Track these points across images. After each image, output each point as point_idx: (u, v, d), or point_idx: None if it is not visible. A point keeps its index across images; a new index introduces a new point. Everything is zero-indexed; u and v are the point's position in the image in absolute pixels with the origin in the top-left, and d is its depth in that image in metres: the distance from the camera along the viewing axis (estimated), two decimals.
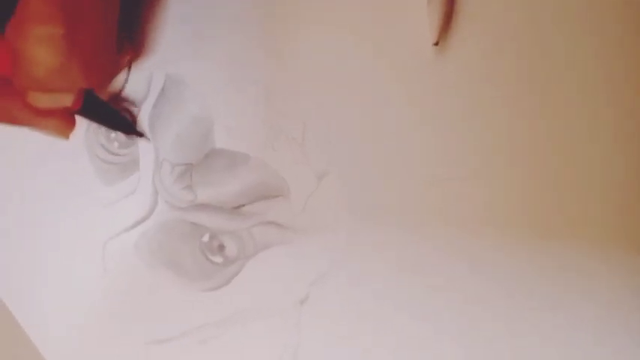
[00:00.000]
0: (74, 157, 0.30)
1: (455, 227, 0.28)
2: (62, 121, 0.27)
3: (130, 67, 0.30)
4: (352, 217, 0.29)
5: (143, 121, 0.30)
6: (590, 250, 0.27)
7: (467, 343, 0.28)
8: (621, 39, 0.28)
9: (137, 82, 0.30)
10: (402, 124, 0.29)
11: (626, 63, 0.28)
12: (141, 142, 0.30)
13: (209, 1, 0.30)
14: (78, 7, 0.23)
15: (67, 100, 0.26)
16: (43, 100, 0.25)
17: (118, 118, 0.29)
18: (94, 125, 0.30)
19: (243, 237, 0.29)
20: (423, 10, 0.29)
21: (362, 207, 0.29)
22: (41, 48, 0.23)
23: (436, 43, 0.28)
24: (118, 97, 0.30)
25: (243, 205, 0.29)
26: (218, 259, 0.29)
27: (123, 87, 0.30)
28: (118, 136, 0.30)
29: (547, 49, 0.29)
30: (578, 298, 0.27)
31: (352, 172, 0.29)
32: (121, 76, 0.30)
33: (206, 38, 0.30)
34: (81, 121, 0.30)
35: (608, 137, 0.28)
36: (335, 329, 0.28)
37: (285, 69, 0.29)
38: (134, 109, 0.30)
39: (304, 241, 0.29)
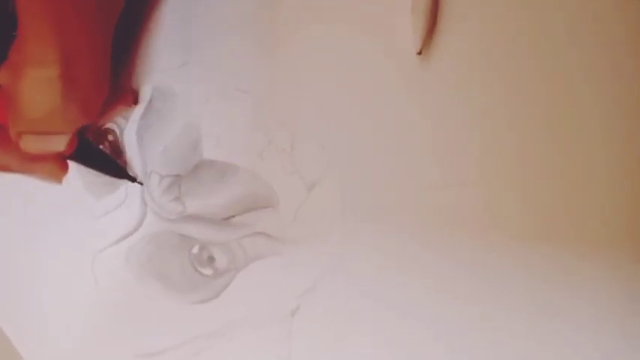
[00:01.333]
0: None
1: (449, 234, 0.28)
2: (55, 166, 0.27)
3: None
4: (342, 227, 0.29)
5: (131, 133, 0.30)
6: (588, 255, 0.27)
7: (463, 350, 0.28)
8: (605, 45, 0.28)
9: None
10: (388, 132, 0.29)
11: (619, 66, 0.28)
12: (129, 154, 0.30)
13: (197, 10, 0.30)
14: (73, 47, 0.23)
15: (60, 145, 0.26)
16: (36, 146, 0.25)
17: (110, 162, 0.29)
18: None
19: (233, 248, 0.29)
20: (406, 20, 0.29)
21: (351, 218, 0.29)
22: (39, 91, 0.22)
23: (419, 53, 0.28)
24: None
25: (233, 217, 0.29)
26: (208, 271, 0.29)
27: None
28: (106, 147, 0.30)
29: (530, 57, 0.29)
30: (575, 303, 0.27)
31: (341, 183, 0.29)
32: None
33: (194, 47, 0.30)
34: None
35: (596, 140, 0.28)
36: (326, 340, 0.28)
37: (274, 78, 0.29)
38: (122, 121, 0.30)
39: (294, 251, 0.29)
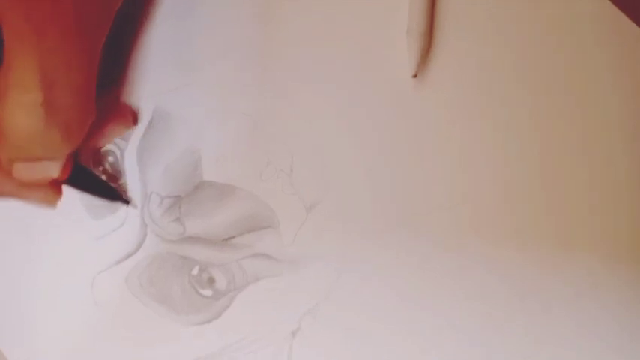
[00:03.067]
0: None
1: (450, 253, 0.29)
2: (49, 192, 0.27)
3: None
4: (342, 247, 0.29)
5: (131, 154, 0.30)
6: (603, 262, 0.28)
7: None
8: (599, 67, 0.29)
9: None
10: (385, 154, 0.29)
11: (623, 81, 0.29)
12: (129, 175, 0.30)
13: (195, 31, 0.30)
14: (56, 72, 0.22)
15: (53, 172, 0.25)
16: (28, 174, 0.25)
17: (106, 187, 0.29)
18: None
19: (233, 269, 0.29)
20: (402, 42, 0.29)
21: (351, 238, 0.29)
22: (21, 116, 0.22)
23: (415, 75, 0.29)
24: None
25: (233, 237, 0.29)
26: (208, 292, 0.29)
27: None
28: (106, 169, 0.30)
29: (527, 78, 0.29)
30: (590, 305, 0.28)
31: (341, 203, 0.29)
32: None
33: (192, 68, 0.30)
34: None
35: (599, 154, 0.28)
36: None
37: (273, 100, 0.30)
38: (122, 143, 0.30)
39: (295, 272, 0.29)
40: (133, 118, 0.30)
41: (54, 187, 0.27)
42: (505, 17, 0.29)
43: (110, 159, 0.30)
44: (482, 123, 0.29)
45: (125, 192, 0.30)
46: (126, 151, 0.30)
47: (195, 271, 0.29)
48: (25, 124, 0.23)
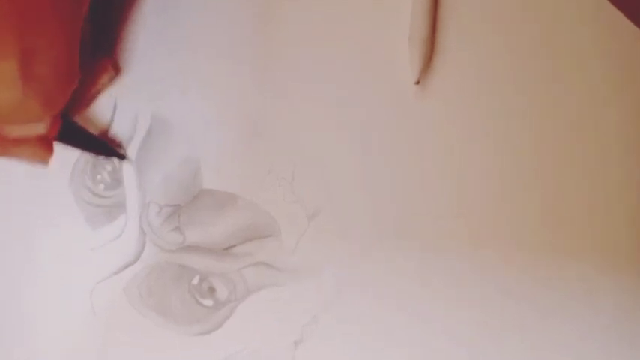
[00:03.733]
0: (60, 201, 0.30)
1: (452, 261, 0.28)
2: (40, 149, 0.27)
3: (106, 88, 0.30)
4: (344, 256, 0.29)
5: (129, 163, 0.30)
6: (598, 269, 0.28)
7: None
8: (602, 75, 0.29)
9: (123, 123, 0.30)
10: (387, 161, 0.29)
11: (609, 98, 0.29)
12: (127, 184, 0.29)
13: (195, 37, 0.30)
14: (33, 40, 0.22)
15: (40, 128, 0.26)
16: (16, 130, 0.25)
17: (97, 142, 0.29)
18: (80, 168, 0.30)
19: (234, 279, 0.29)
20: (404, 49, 0.29)
21: (353, 247, 0.29)
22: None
23: (417, 82, 0.28)
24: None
25: (234, 246, 0.29)
26: (208, 302, 0.29)
27: (109, 127, 0.30)
28: (104, 178, 0.29)
29: (529, 84, 0.29)
30: (586, 312, 0.28)
31: (342, 212, 0.29)
32: (106, 115, 0.30)
33: (192, 75, 0.30)
34: (65, 166, 0.30)
35: (597, 159, 0.28)
36: None
37: (273, 107, 0.29)
38: (120, 150, 0.30)
39: (297, 281, 0.28)
40: (114, 66, 0.29)
41: (44, 144, 0.27)
42: (507, 25, 0.29)
43: (108, 167, 0.30)
44: (485, 130, 0.29)
45: (120, 147, 0.29)
46: (124, 159, 0.29)
47: (195, 281, 0.29)
48: (3, 92, 0.23)
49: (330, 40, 0.30)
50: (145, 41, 0.30)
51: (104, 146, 0.29)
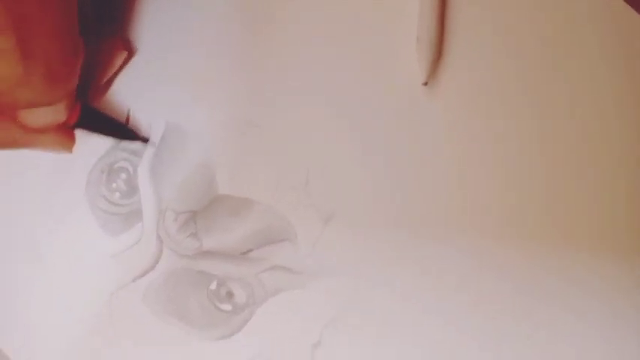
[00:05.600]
0: (76, 209, 0.30)
1: (466, 261, 0.29)
2: (62, 137, 0.27)
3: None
4: (360, 259, 0.29)
5: (144, 170, 0.30)
6: (604, 256, 0.29)
7: None
8: (609, 76, 0.29)
9: (137, 130, 0.30)
10: (396, 163, 0.29)
11: (617, 98, 0.29)
12: (143, 191, 0.30)
13: (209, 47, 0.30)
14: (31, 16, 0.22)
15: (59, 115, 0.26)
16: (34, 119, 0.25)
17: (118, 126, 0.29)
18: (95, 177, 0.30)
19: (252, 283, 0.29)
20: (412, 51, 0.29)
21: (369, 249, 0.29)
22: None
23: (425, 83, 0.29)
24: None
25: (251, 250, 0.29)
26: (227, 306, 0.29)
27: (128, 116, 0.30)
28: (120, 186, 0.30)
29: (537, 86, 0.29)
30: (590, 301, 0.28)
31: (357, 214, 0.29)
32: (125, 105, 0.30)
33: (205, 82, 0.30)
34: (81, 173, 0.30)
35: (603, 155, 0.29)
36: None
37: (285, 111, 0.30)
38: (135, 159, 0.30)
39: (314, 284, 0.29)
40: (124, 44, 0.29)
41: (66, 132, 0.27)
42: (515, 26, 0.30)
43: (123, 175, 0.30)
44: (494, 131, 0.29)
45: (140, 130, 0.30)
46: (139, 167, 0.30)
47: (213, 286, 0.29)
48: (3, 70, 0.22)
49: (338, 42, 0.30)
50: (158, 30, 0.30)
51: (126, 130, 0.29)
